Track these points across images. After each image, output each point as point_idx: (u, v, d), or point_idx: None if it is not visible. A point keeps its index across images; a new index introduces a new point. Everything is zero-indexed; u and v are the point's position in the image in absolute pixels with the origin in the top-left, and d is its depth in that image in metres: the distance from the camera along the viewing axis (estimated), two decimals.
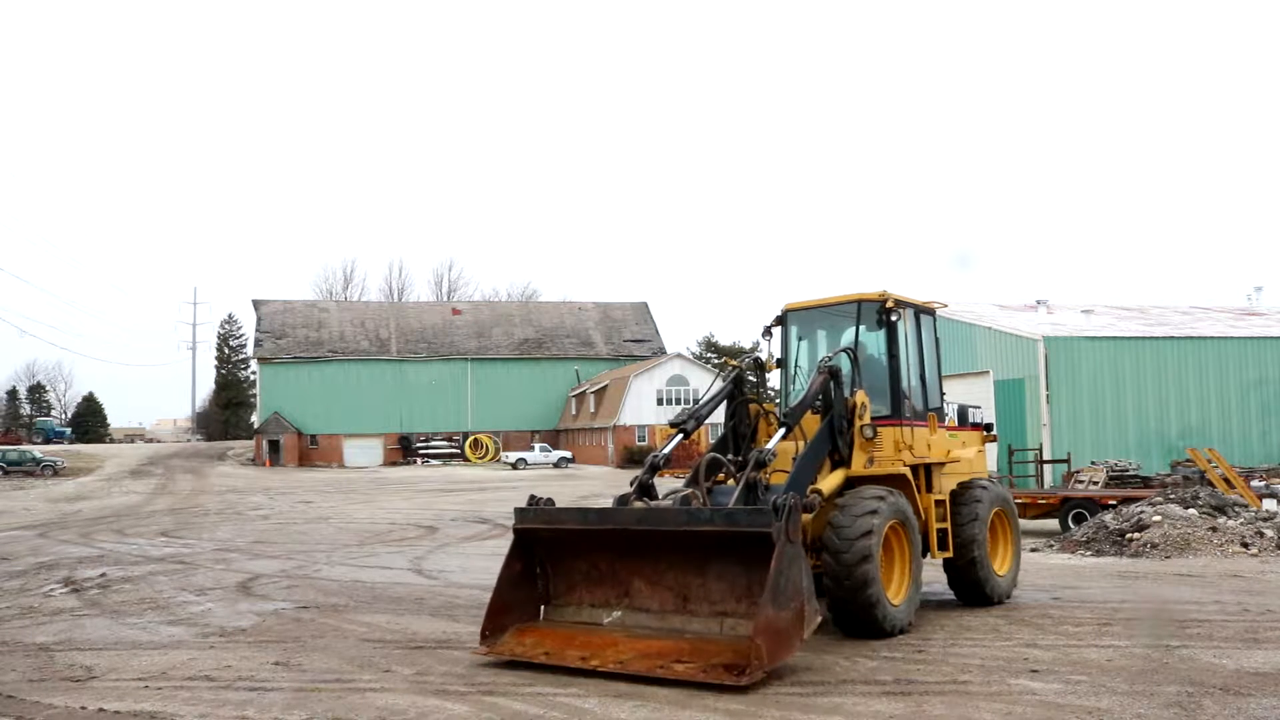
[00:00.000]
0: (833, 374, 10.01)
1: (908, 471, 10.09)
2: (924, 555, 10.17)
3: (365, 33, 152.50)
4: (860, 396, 10.05)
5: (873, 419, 10.11)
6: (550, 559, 9.24)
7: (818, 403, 10.10)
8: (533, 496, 9.39)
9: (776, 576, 7.65)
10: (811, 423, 9.98)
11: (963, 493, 11.05)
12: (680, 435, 10.27)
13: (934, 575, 11.39)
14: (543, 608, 9.18)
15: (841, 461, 9.96)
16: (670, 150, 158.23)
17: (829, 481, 9.70)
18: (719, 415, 10.80)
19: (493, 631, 8.85)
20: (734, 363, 11.00)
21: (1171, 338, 31.76)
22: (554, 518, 9.16)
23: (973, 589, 10.98)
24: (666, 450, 10.18)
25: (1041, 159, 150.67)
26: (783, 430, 9.67)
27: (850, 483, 9.89)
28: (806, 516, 9.74)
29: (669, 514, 8.69)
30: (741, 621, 8.08)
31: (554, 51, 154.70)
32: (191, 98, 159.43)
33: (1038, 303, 37.95)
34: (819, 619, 8.10)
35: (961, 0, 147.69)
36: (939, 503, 10.59)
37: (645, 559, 8.77)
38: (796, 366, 11.28)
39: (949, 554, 10.65)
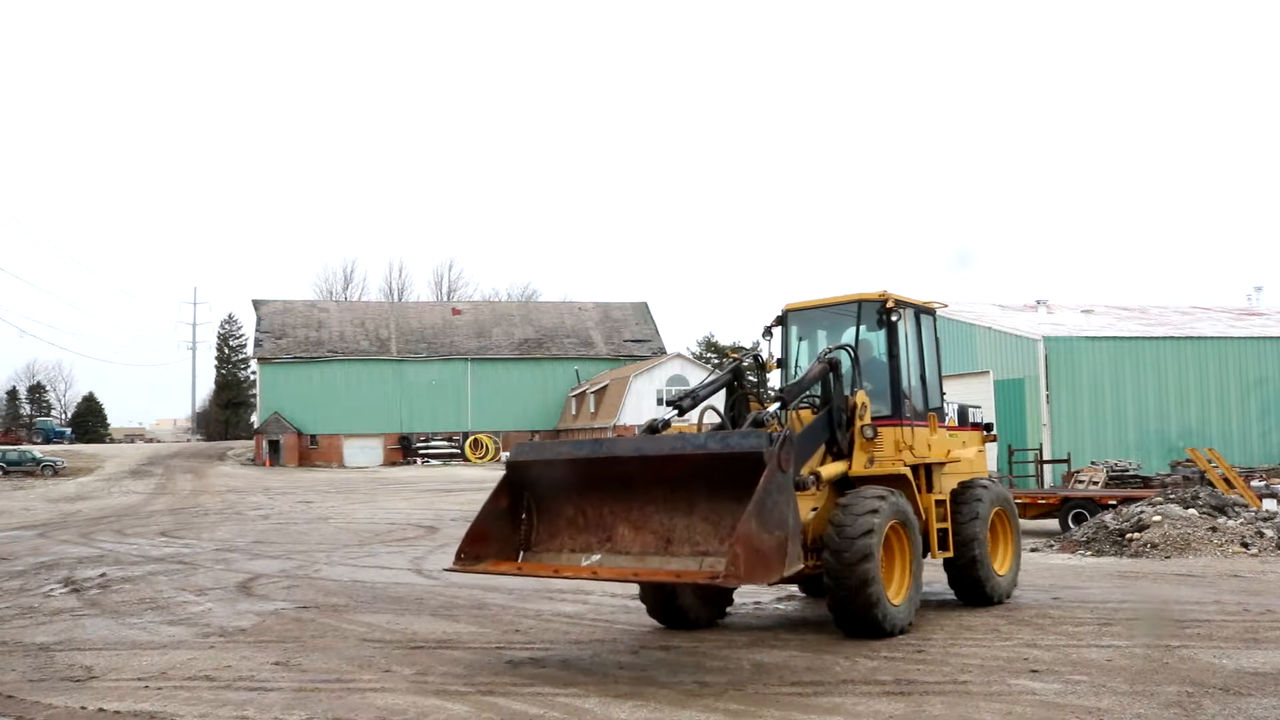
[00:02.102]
0: (832, 366, 10.04)
1: (908, 471, 10.09)
2: (924, 555, 10.17)
3: (365, 33, 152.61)
4: (861, 396, 10.07)
5: (873, 419, 10.12)
6: (537, 502, 9.16)
7: (815, 397, 10.11)
8: (533, 435, 9.46)
9: (763, 496, 7.57)
10: (809, 419, 10.02)
11: (963, 492, 11.06)
12: (675, 412, 10.24)
13: (933, 575, 11.39)
14: (521, 554, 9.10)
15: (840, 454, 9.97)
16: (670, 150, 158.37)
17: (828, 469, 9.73)
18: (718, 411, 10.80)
19: (468, 556, 8.85)
20: (734, 354, 11.01)
21: (1171, 338, 31.74)
22: (549, 449, 9.21)
23: (973, 588, 10.98)
24: (666, 418, 10.16)
25: (1041, 159, 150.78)
26: (777, 404, 9.68)
27: (851, 482, 9.91)
28: (807, 512, 9.77)
29: (663, 440, 8.74)
30: (721, 559, 7.93)
31: (553, 51, 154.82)
32: (192, 98, 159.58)
33: (1038, 303, 37.93)
34: (801, 565, 8.01)
35: (961, 0, 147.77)
36: (939, 502, 10.59)
37: (632, 502, 8.70)
38: (797, 366, 11.29)
39: (949, 554, 10.64)
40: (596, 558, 8.70)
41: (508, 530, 9.06)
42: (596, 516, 8.87)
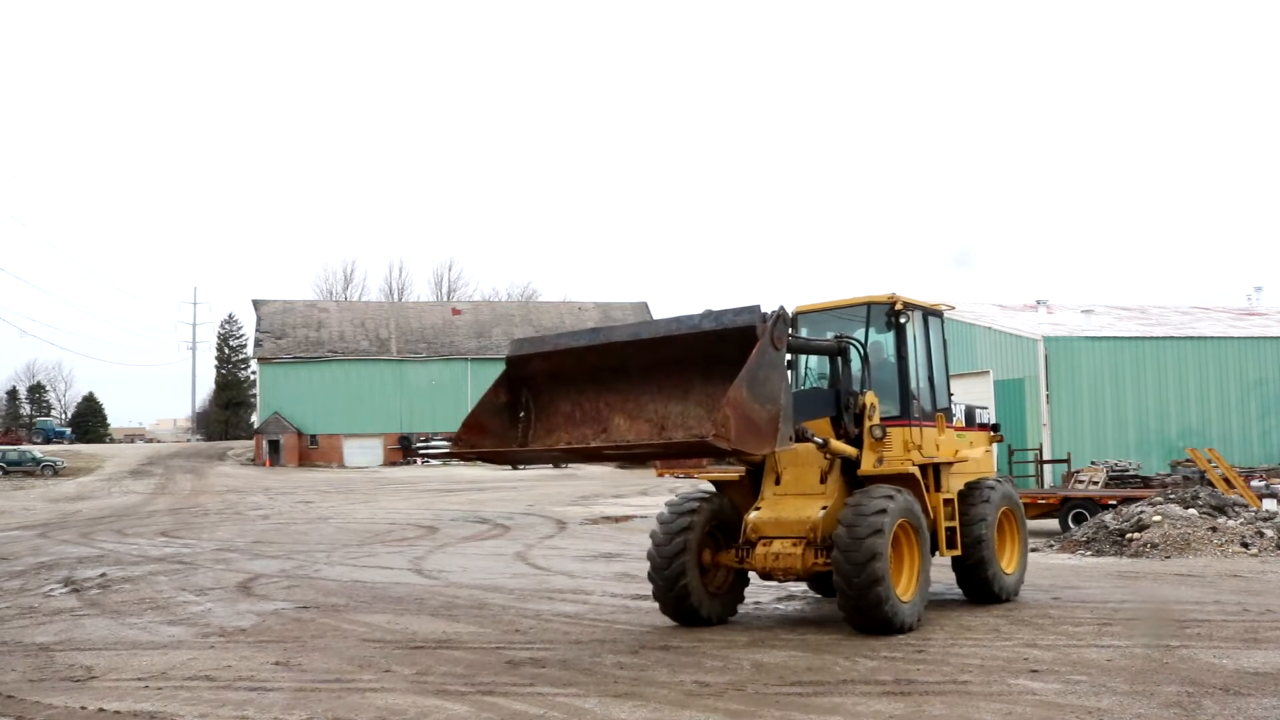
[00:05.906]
0: (842, 351, 10.12)
1: (916, 471, 10.11)
2: (933, 553, 10.22)
3: (365, 33, 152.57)
4: (869, 397, 10.14)
5: (882, 419, 10.18)
6: (535, 398, 9.23)
7: (823, 380, 10.32)
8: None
9: (755, 367, 7.57)
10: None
11: (971, 492, 11.10)
12: None
13: (934, 575, 11.40)
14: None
15: (845, 436, 10.03)
16: (669, 150, 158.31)
17: (837, 444, 9.81)
18: None
19: (465, 443, 8.98)
20: None
21: (1171, 338, 31.72)
22: (547, 341, 9.32)
23: (981, 587, 11.03)
24: None
25: (1041, 159, 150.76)
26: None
27: (860, 482, 9.97)
28: (816, 509, 9.78)
29: (659, 323, 8.86)
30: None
31: (553, 51, 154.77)
32: (192, 98, 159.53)
33: (1038, 303, 37.88)
34: (793, 444, 8.06)
35: (961, 0, 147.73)
36: (947, 501, 10.63)
37: (628, 392, 8.79)
38: (807, 369, 11.32)
39: (957, 552, 10.71)
40: (594, 445, 8.87)
41: (505, 425, 9.14)
42: (593, 409, 8.96)
